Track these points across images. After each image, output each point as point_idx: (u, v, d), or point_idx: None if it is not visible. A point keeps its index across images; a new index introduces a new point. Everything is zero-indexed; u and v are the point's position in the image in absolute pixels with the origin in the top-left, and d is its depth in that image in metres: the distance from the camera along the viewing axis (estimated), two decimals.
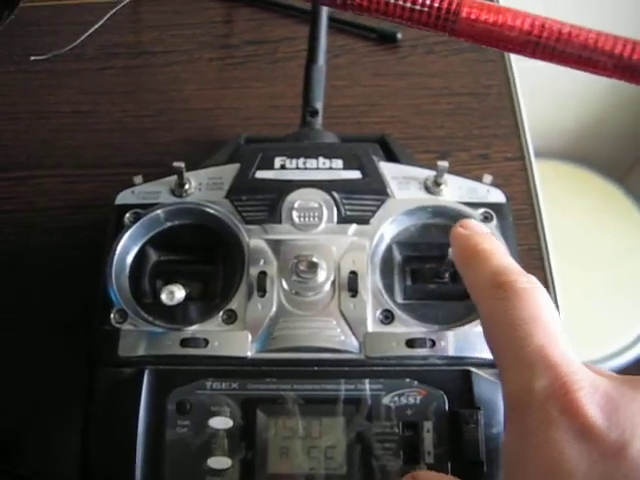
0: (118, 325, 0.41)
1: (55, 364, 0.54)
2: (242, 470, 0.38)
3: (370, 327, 0.41)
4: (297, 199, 0.45)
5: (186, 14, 0.74)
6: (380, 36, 0.72)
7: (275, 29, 0.73)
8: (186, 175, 0.46)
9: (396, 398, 0.39)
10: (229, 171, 0.47)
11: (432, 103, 0.68)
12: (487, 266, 0.34)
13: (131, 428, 0.39)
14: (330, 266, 0.42)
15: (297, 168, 0.46)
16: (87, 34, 0.58)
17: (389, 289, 0.43)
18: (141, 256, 0.45)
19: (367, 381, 0.40)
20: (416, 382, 0.40)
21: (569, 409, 0.29)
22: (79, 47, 0.70)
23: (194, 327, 0.41)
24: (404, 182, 0.46)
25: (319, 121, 0.53)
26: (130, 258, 0.45)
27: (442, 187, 0.46)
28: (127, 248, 0.44)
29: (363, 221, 0.44)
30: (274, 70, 0.70)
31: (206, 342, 0.41)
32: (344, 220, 0.44)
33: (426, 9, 0.26)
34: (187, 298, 0.42)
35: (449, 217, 0.45)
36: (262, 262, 0.43)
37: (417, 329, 0.41)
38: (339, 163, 0.46)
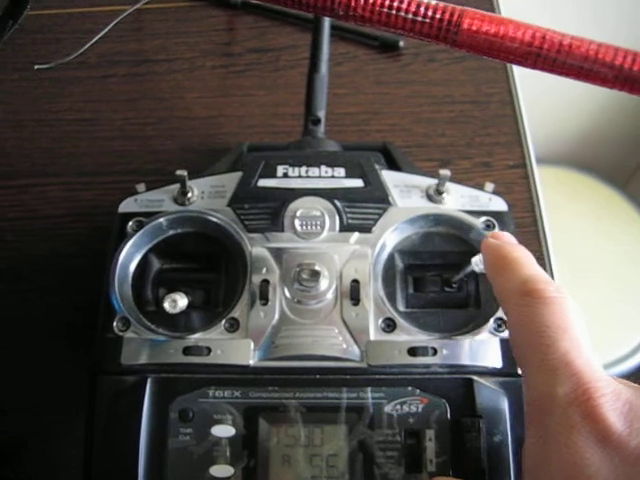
0: (121, 333, 0.42)
1: (57, 371, 0.54)
2: (244, 478, 0.38)
3: (372, 335, 0.41)
4: (299, 207, 0.45)
5: (189, 22, 0.75)
6: (382, 44, 0.72)
7: (277, 37, 0.73)
8: (189, 183, 0.46)
9: (398, 406, 0.40)
10: (232, 179, 0.47)
11: (434, 111, 0.68)
12: (516, 274, 0.35)
13: (134, 436, 0.39)
14: (332, 274, 0.43)
15: (299, 176, 0.46)
16: (91, 43, 0.59)
17: (391, 297, 0.43)
18: (144, 264, 0.45)
19: (369, 389, 0.40)
20: (418, 390, 0.40)
21: (591, 414, 0.29)
22: (82, 55, 0.70)
23: (197, 335, 0.41)
24: (406, 190, 0.46)
25: (321, 129, 0.54)
26: (133, 266, 0.45)
27: (444, 195, 0.46)
28: (130, 256, 0.45)
29: (365, 229, 0.44)
30: (276, 78, 0.71)
31: (209, 350, 0.41)
32: (346, 228, 0.44)
33: (428, 20, 0.26)
34: (190, 306, 0.42)
35: (451, 225, 0.45)
36: (264, 270, 0.43)
37: (419, 337, 0.41)
38: (341, 171, 0.47)
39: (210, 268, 0.45)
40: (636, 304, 1.24)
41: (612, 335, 1.21)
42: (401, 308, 0.43)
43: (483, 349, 0.41)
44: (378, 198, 0.46)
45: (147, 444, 0.39)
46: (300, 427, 0.39)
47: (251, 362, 0.41)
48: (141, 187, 0.48)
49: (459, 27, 0.26)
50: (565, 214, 1.29)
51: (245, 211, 0.45)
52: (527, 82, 0.70)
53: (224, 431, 0.39)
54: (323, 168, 0.47)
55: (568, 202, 1.33)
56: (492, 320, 0.41)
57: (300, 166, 0.47)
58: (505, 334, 0.41)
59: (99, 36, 0.59)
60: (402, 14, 0.26)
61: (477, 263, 0.41)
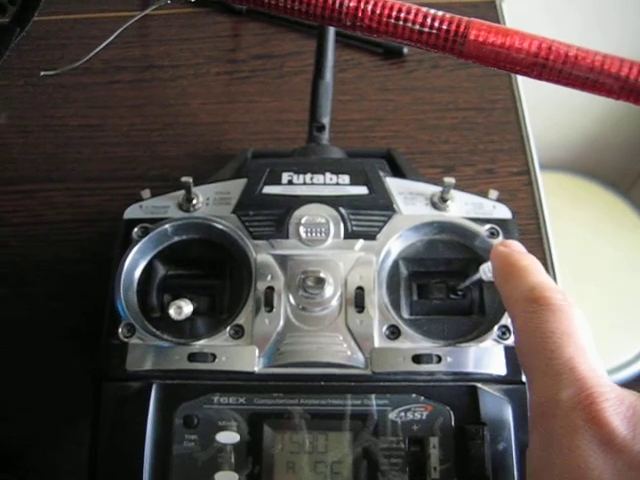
0: (126, 339, 0.42)
1: (63, 376, 0.54)
2: None
3: (377, 342, 0.41)
4: (304, 214, 0.45)
5: (193, 28, 0.75)
6: (386, 51, 0.72)
7: (282, 43, 0.74)
8: (194, 190, 0.46)
9: (402, 413, 0.40)
10: (236, 186, 0.47)
11: (438, 118, 0.68)
12: (524, 282, 0.35)
13: (138, 442, 0.39)
14: (337, 281, 0.43)
15: (304, 184, 0.47)
16: (98, 50, 0.59)
17: (395, 305, 0.43)
18: (149, 270, 0.45)
19: (373, 396, 0.40)
20: (422, 398, 0.40)
21: (594, 418, 0.29)
22: (87, 61, 0.70)
23: (202, 342, 0.41)
24: (410, 198, 0.46)
25: (326, 136, 0.54)
26: (138, 272, 0.45)
27: (448, 203, 0.46)
28: (135, 262, 0.45)
29: (370, 237, 0.45)
30: (281, 84, 0.71)
31: (213, 357, 0.41)
32: (351, 236, 0.45)
33: (434, 31, 0.26)
34: (195, 313, 0.42)
35: (455, 233, 0.45)
36: (269, 277, 0.43)
37: (423, 345, 0.41)
38: (346, 179, 0.47)
39: (215, 275, 0.45)
40: (638, 312, 1.24)
41: (615, 342, 1.21)
42: (405, 315, 0.44)
43: (487, 356, 0.41)
44: (383, 205, 0.46)
45: (152, 450, 0.39)
46: (304, 434, 0.39)
47: (256, 369, 0.41)
48: (146, 193, 0.48)
49: (466, 38, 0.26)
50: (568, 220, 1.28)
51: (250, 218, 0.45)
52: (530, 88, 0.70)
53: (229, 437, 0.39)
54: (328, 175, 0.47)
55: (571, 208, 1.33)
56: (496, 327, 0.41)
57: (305, 173, 0.47)
58: (509, 342, 0.41)
59: (106, 43, 0.59)
60: (409, 25, 0.26)
61: (485, 271, 0.41)
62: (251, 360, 0.41)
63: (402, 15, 0.26)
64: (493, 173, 0.64)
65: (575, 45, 0.26)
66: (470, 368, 0.41)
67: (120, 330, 0.42)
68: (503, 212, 0.47)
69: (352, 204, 0.46)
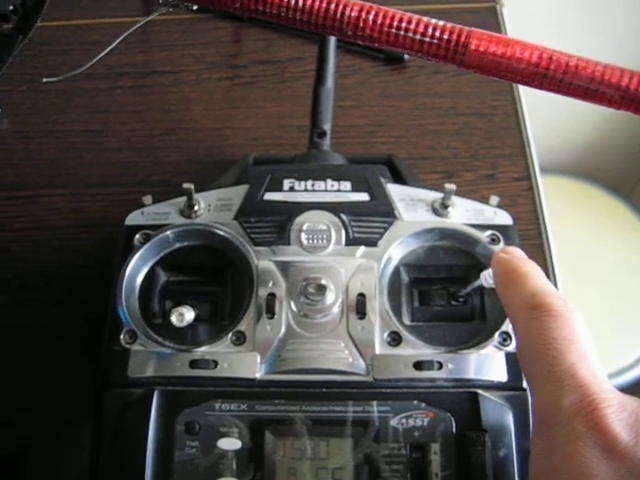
0: (128, 346, 0.42)
1: (64, 380, 0.54)
2: None
3: (378, 349, 0.41)
4: (306, 221, 0.45)
5: (195, 34, 0.75)
6: (387, 56, 0.72)
7: (283, 49, 0.74)
8: (195, 196, 0.47)
9: (404, 420, 0.40)
10: (238, 192, 0.47)
11: (438, 123, 0.68)
12: (525, 288, 0.35)
13: (140, 449, 0.39)
14: (338, 288, 0.43)
15: (306, 190, 0.47)
16: (100, 56, 0.59)
17: (397, 311, 0.43)
18: (151, 277, 0.45)
19: (375, 403, 0.40)
20: (423, 404, 0.40)
21: (596, 425, 0.29)
22: (88, 67, 0.71)
23: (203, 348, 0.42)
24: (412, 204, 0.47)
25: (327, 142, 0.54)
26: (140, 279, 0.45)
27: (449, 209, 0.46)
28: (137, 269, 0.45)
29: (371, 243, 0.45)
30: (282, 90, 0.71)
31: (215, 363, 0.41)
32: (352, 242, 0.45)
33: (435, 41, 0.27)
34: (196, 319, 0.43)
35: (456, 239, 0.45)
36: (271, 284, 0.43)
37: (425, 351, 0.41)
38: (347, 185, 0.47)
39: (216, 281, 0.45)
40: (638, 316, 1.24)
41: (616, 345, 1.21)
42: (407, 322, 0.44)
43: (488, 363, 0.41)
44: (384, 212, 0.46)
45: (153, 457, 0.39)
46: (306, 440, 0.39)
47: (257, 375, 0.41)
48: (148, 199, 0.48)
49: (467, 48, 0.26)
50: (569, 223, 1.28)
51: (251, 224, 0.45)
52: (531, 93, 0.70)
53: (230, 444, 0.39)
54: (329, 182, 0.47)
55: (572, 211, 1.33)
56: (497, 334, 0.41)
57: (306, 180, 0.47)
58: (510, 348, 0.41)
59: (109, 48, 0.59)
60: (410, 35, 0.27)
61: (486, 278, 0.41)
62: (253, 367, 0.41)
63: (403, 25, 0.27)
64: (494, 179, 0.64)
65: (576, 55, 0.26)
66: (471, 375, 0.41)
67: (122, 337, 0.42)
68: (504, 218, 0.47)
69: (353, 211, 0.46)
